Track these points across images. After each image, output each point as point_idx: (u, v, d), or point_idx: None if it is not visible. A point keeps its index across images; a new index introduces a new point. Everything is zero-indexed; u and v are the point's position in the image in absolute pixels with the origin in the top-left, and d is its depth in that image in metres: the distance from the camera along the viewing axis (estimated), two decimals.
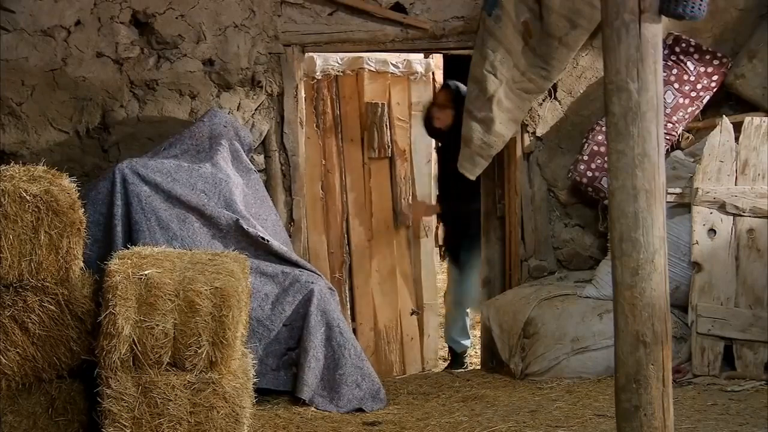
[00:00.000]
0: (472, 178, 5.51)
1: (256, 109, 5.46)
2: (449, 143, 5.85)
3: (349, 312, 6.22)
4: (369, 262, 6.28)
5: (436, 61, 6.51)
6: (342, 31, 5.42)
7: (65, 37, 5.35)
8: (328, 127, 6.16)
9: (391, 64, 6.31)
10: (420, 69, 6.44)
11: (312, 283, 4.86)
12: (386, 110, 6.23)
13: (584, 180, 5.34)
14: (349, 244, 6.23)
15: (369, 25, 5.36)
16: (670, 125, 5.23)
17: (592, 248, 5.55)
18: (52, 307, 3.80)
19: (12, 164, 3.96)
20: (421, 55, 6.48)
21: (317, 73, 6.07)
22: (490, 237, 5.78)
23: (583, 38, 5.28)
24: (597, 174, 5.29)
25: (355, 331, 6.23)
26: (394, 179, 6.31)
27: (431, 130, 6.16)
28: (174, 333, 3.77)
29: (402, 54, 6.22)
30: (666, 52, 5.17)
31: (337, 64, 6.11)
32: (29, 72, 5.35)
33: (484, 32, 5.26)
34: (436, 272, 7.02)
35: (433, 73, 6.50)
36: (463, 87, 5.81)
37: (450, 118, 5.92)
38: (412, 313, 6.36)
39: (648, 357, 3.05)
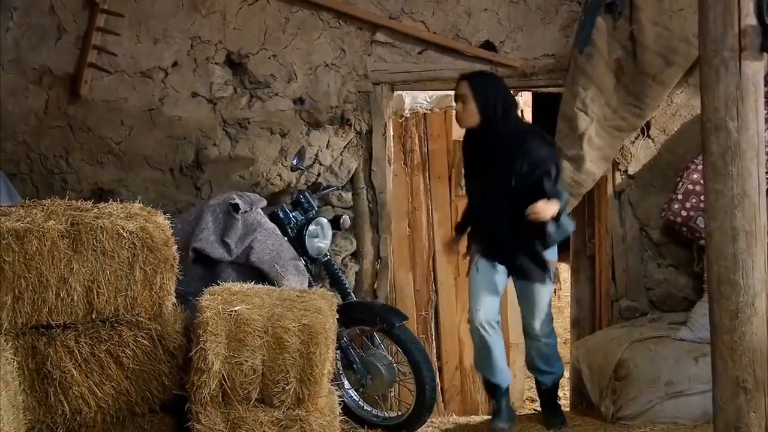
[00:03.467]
0: None
1: (344, 147, 5.50)
2: (478, 150, 4.65)
3: (434, 350, 6.17)
4: (456, 300, 6.24)
5: (526, 98, 6.47)
6: (431, 69, 5.42)
7: (163, 78, 5.50)
8: (416, 164, 6.18)
9: None
10: None
11: None
12: None
13: (678, 219, 5.21)
14: (435, 281, 6.20)
15: (459, 63, 5.35)
16: None
17: (686, 289, 5.39)
18: (145, 342, 3.87)
19: (110, 201, 4.06)
20: None
21: (406, 111, 6.11)
22: (579, 276, 5.68)
23: (678, 76, 5.18)
24: (692, 213, 5.15)
25: (440, 369, 6.19)
26: None
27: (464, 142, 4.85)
28: (262, 369, 3.79)
29: None
30: (767, 89, 5.03)
31: (425, 102, 6.14)
32: (128, 112, 5.51)
33: (576, 70, 5.21)
34: None
35: (522, 111, 6.46)
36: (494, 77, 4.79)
37: (474, 115, 4.61)
38: None
39: (749, 404, 2.95)
